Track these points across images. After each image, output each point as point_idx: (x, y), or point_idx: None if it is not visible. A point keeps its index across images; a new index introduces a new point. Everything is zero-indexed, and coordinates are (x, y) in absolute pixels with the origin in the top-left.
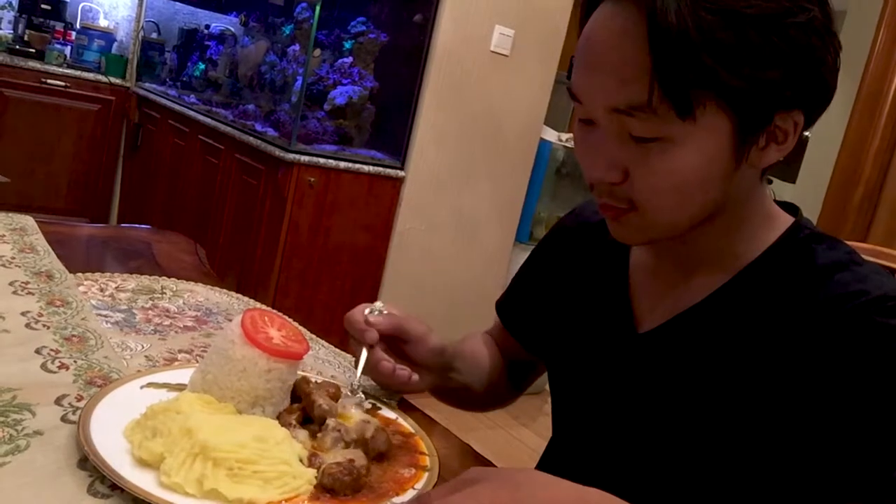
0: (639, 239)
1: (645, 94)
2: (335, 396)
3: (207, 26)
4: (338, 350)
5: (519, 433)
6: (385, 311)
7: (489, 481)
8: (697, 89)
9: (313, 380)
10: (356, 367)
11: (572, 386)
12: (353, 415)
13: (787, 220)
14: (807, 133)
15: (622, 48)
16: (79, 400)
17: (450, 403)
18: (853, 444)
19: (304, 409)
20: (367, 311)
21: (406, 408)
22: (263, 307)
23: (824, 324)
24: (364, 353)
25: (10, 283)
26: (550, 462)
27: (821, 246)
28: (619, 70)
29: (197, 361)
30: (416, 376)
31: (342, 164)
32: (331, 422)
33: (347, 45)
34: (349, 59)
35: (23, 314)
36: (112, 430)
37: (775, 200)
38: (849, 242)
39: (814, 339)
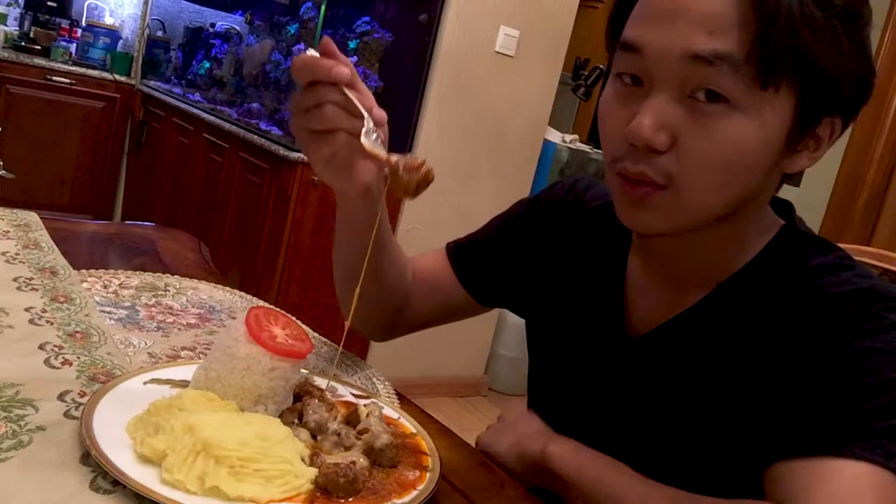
0: (662, 225)
1: (734, 44)
2: (348, 413)
3: (213, 25)
4: (344, 350)
5: None
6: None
7: (504, 420)
8: (785, 58)
9: (319, 384)
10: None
11: (553, 383)
12: (373, 423)
13: (777, 223)
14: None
15: None
16: (81, 396)
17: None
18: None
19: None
20: (310, 51)
21: (406, 406)
22: (268, 305)
23: (809, 319)
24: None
25: (14, 279)
26: None
27: (810, 249)
28: (708, 18)
29: (200, 359)
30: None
31: None
32: (332, 425)
33: (352, 44)
34: (354, 59)
35: (26, 310)
36: (114, 426)
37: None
38: (853, 246)
39: (799, 335)
